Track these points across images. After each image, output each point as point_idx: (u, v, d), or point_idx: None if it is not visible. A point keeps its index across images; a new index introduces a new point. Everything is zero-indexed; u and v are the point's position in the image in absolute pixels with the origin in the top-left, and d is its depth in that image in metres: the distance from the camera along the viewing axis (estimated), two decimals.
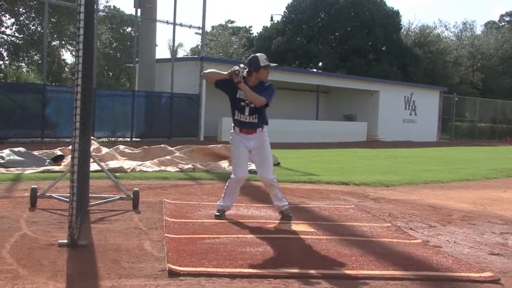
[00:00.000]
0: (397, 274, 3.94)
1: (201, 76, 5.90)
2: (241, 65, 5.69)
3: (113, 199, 6.14)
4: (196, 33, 24.79)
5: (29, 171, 8.84)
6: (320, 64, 43.13)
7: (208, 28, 39.67)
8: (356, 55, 41.30)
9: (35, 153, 10.33)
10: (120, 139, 18.20)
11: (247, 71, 5.68)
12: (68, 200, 4.33)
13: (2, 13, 28.61)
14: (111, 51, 38.51)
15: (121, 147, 11.75)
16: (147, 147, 11.83)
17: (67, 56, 35.74)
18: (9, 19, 29.57)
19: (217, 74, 5.82)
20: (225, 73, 5.67)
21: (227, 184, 5.89)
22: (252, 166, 10.06)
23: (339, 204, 7.04)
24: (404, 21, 53.46)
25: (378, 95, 29.28)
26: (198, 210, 6.14)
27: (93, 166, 7.14)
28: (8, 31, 30.17)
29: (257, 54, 5.77)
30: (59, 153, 10.43)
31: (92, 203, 5.94)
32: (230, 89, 5.73)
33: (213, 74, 5.85)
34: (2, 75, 29.58)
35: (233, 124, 5.84)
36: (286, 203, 5.89)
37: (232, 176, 5.84)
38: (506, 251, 4.85)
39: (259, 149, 5.74)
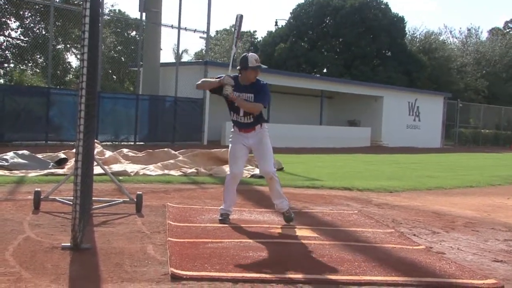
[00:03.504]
0: (400, 280, 3.94)
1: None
2: (229, 74, 5.67)
3: (116, 203, 6.14)
4: (200, 37, 24.93)
5: (32, 174, 8.86)
6: (325, 70, 43.02)
7: (212, 33, 39.79)
8: (361, 61, 41.04)
9: (39, 156, 10.36)
10: (124, 142, 18.23)
11: (238, 68, 5.70)
12: (71, 203, 4.34)
13: (8, 16, 28.74)
14: (115, 55, 38.63)
15: (125, 150, 11.76)
16: (150, 150, 11.84)
17: (72, 59, 35.89)
18: (14, 22, 29.74)
19: (208, 82, 5.89)
20: (216, 80, 5.68)
21: (224, 185, 5.94)
22: (256, 171, 10.23)
23: (342, 210, 7.03)
24: (410, 26, 53.48)
25: (382, 100, 29.23)
26: (201, 214, 6.14)
27: (97, 170, 7.15)
28: (13, 34, 30.33)
29: (248, 55, 5.72)
30: (62, 156, 10.45)
31: (96, 207, 5.95)
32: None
33: (205, 83, 5.93)
34: (6, 78, 29.69)
35: (232, 123, 5.90)
36: (287, 202, 5.88)
37: (227, 173, 5.91)
38: (509, 258, 4.83)
39: (258, 144, 5.77)
